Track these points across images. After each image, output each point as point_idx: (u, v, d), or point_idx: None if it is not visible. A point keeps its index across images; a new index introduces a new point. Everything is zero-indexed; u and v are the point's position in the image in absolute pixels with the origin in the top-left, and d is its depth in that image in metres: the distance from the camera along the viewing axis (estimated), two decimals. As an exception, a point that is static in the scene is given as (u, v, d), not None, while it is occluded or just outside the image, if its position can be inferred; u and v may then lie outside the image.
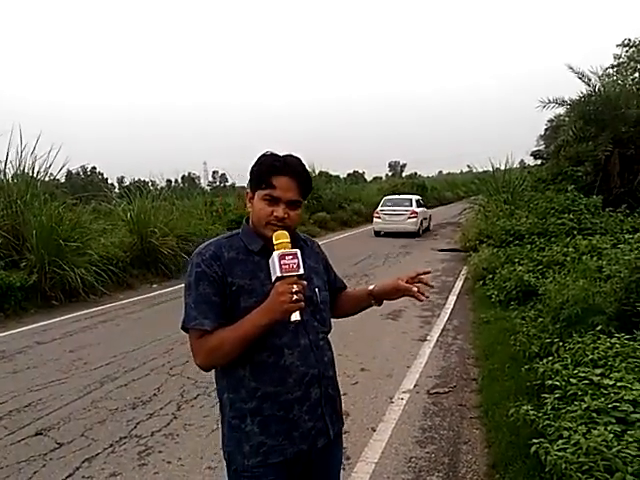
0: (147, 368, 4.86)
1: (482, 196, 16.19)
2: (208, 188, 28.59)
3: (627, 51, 16.66)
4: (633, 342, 3.47)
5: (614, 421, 2.52)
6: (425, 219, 18.55)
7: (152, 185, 13.73)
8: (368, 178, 54.85)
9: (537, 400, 3.27)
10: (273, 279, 1.34)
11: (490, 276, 7.39)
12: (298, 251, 1.36)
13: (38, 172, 8.97)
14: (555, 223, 9.19)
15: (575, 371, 3.19)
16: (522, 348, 4.36)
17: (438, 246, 14.37)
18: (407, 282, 1.58)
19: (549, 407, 2.90)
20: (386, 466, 3.09)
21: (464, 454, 3.23)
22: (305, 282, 1.36)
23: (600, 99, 11.58)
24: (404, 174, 63.66)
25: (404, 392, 4.22)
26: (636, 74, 15.12)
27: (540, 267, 6.83)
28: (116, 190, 17.64)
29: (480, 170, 19.73)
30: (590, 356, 3.39)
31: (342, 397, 1.69)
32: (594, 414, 2.61)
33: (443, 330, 6.10)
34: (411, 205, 17.64)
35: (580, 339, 3.74)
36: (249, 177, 1.50)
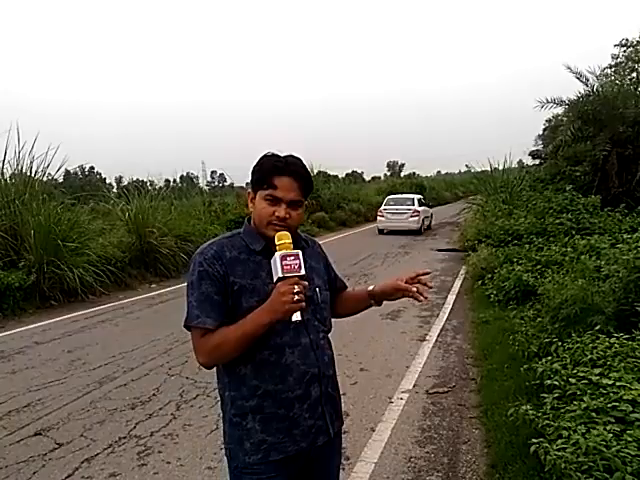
0: (146, 368, 4.85)
1: (480, 196, 16.24)
2: (207, 188, 28.52)
3: (625, 51, 16.75)
4: (632, 342, 3.47)
5: (613, 421, 2.53)
6: (427, 217, 19.15)
7: (150, 185, 13.76)
8: (367, 178, 54.97)
9: (536, 400, 3.27)
10: (275, 279, 1.35)
11: (489, 276, 7.40)
12: (300, 252, 1.37)
13: (36, 172, 8.97)
14: (553, 223, 9.20)
15: (574, 371, 3.19)
16: (521, 348, 4.36)
17: (437, 246, 14.38)
18: (406, 282, 1.59)
19: (548, 407, 2.90)
20: (385, 466, 3.09)
21: (463, 454, 3.23)
22: (306, 283, 1.37)
23: (598, 99, 11.60)
24: (403, 174, 63.80)
25: (403, 392, 4.23)
26: (634, 74, 15.18)
27: (539, 267, 6.84)
28: (114, 190, 17.63)
29: (478, 170, 19.82)
30: (589, 356, 3.39)
31: (342, 397, 1.70)
32: (593, 414, 2.61)
33: (442, 330, 6.10)
34: (413, 204, 18.23)
35: (579, 339, 3.74)
36: (251, 177, 1.51)
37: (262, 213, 1.47)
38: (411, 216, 17.71)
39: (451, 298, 7.82)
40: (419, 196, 20.22)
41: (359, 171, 61.11)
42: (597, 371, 3.09)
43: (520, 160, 22.42)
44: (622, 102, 11.32)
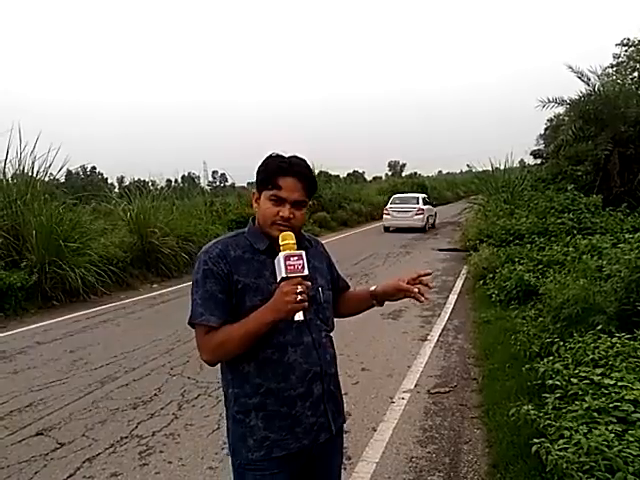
0: (148, 368, 4.86)
1: (482, 196, 16.24)
2: (208, 188, 28.53)
3: (626, 50, 16.68)
4: (634, 341, 3.47)
5: (615, 421, 2.52)
6: (431, 216, 19.69)
7: (152, 185, 13.76)
8: (368, 178, 54.97)
9: (538, 400, 3.27)
10: (278, 279, 1.37)
11: (490, 276, 7.39)
12: (303, 253, 1.39)
13: (38, 172, 8.97)
14: (555, 222, 9.20)
15: (576, 371, 3.19)
16: (523, 348, 4.36)
17: (438, 245, 14.37)
18: (408, 283, 1.60)
19: (550, 407, 2.90)
20: (387, 466, 3.09)
21: (465, 454, 3.23)
22: (309, 283, 1.38)
23: (600, 98, 11.58)
24: (404, 174, 63.77)
25: (405, 392, 4.23)
26: (635, 73, 15.13)
27: (540, 266, 6.84)
28: (116, 190, 17.62)
29: (480, 170, 19.81)
30: (591, 356, 3.39)
31: (343, 397, 1.71)
32: (595, 414, 2.61)
33: (444, 330, 6.10)
34: (418, 203, 18.86)
35: (581, 339, 3.74)
36: (255, 178, 1.53)
37: (266, 213, 1.48)
38: (416, 214, 18.24)
39: (452, 298, 7.81)
40: (424, 195, 20.73)
41: (360, 171, 61.22)
42: (599, 371, 3.09)
43: (521, 160, 22.44)
44: (624, 102, 11.30)
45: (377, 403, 4.01)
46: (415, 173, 54.08)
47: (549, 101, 12.46)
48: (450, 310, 7.05)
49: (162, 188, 13.36)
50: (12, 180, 8.70)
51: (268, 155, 1.53)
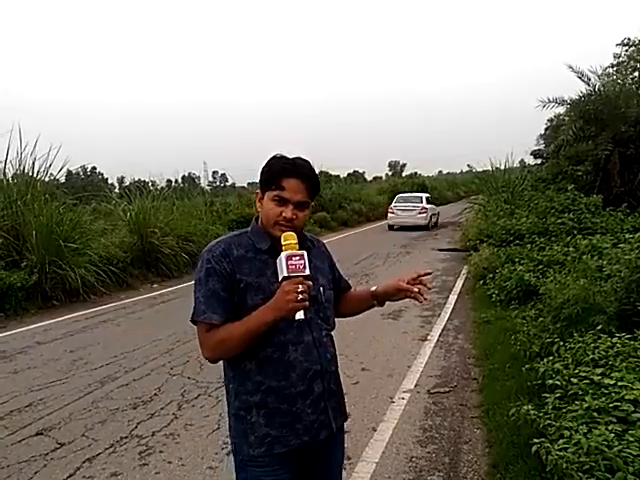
0: (148, 368, 4.86)
1: (482, 196, 16.24)
2: (208, 188, 28.50)
3: (627, 50, 16.66)
4: (634, 342, 3.47)
5: (615, 421, 2.52)
6: (434, 215, 20.44)
7: (152, 185, 13.77)
8: (368, 178, 54.97)
9: (538, 400, 3.27)
10: (280, 278, 1.39)
11: (490, 276, 7.39)
12: (305, 253, 1.41)
13: (38, 172, 8.97)
14: (555, 222, 9.20)
15: (576, 371, 3.19)
16: (523, 348, 4.35)
17: (438, 245, 14.37)
18: (408, 283, 1.62)
19: (550, 407, 2.90)
20: (387, 466, 3.09)
21: (465, 454, 3.23)
22: (310, 282, 1.40)
23: (600, 98, 11.58)
24: (404, 174, 63.74)
25: (405, 392, 4.22)
26: (636, 73, 15.12)
27: (540, 267, 6.83)
28: (116, 190, 17.65)
29: (480, 170, 19.85)
30: (591, 356, 3.39)
31: (344, 395, 1.72)
32: (595, 414, 2.61)
33: (444, 330, 6.10)
34: (421, 202, 19.70)
35: (581, 339, 3.74)
36: (259, 178, 1.55)
37: (269, 213, 1.50)
38: (419, 213, 18.96)
39: (453, 298, 7.81)
40: (427, 195, 21.57)
41: (360, 171, 61.18)
42: (599, 371, 3.09)
43: (522, 160, 22.45)
44: (624, 101, 11.30)
45: (377, 403, 4.01)
46: (415, 173, 54.06)
47: (549, 101, 12.47)
48: (450, 310, 7.05)
49: (162, 188, 13.37)
50: (12, 180, 8.70)
51: (272, 156, 1.54)
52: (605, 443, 2.27)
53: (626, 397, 2.67)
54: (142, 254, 10.00)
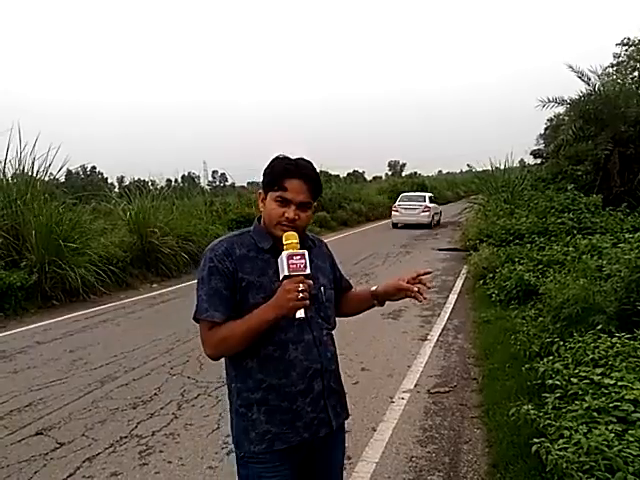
0: (147, 368, 4.86)
1: (482, 195, 16.24)
2: (208, 188, 28.46)
3: (627, 50, 16.66)
4: (634, 341, 3.46)
5: (615, 420, 2.52)
6: (437, 213, 21.09)
7: (152, 185, 13.75)
8: (368, 177, 54.90)
9: (538, 399, 3.27)
10: (281, 277, 1.41)
11: (490, 275, 7.39)
12: (306, 252, 1.43)
13: (38, 172, 8.95)
14: (555, 222, 9.20)
15: (576, 370, 3.19)
16: (522, 347, 4.35)
17: (438, 245, 14.38)
18: (408, 282, 1.63)
19: (550, 406, 2.90)
20: (387, 466, 3.09)
21: (465, 454, 3.23)
22: (311, 282, 1.42)
23: (600, 98, 11.58)
24: (404, 173, 63.69)
25: (405, 392, 4.22)
26: (636, 73, 15.12)
27: (540, 266, 6.84)
28: (116, 190, 17.61)
29: (480, 169, 19.85)
30: (591, 355, 3.39)
31: (345, 393, 1.73)
32: (595, 413, 2.61)
33: (443, 329, 6.10)
34: (424, 201, 20.40)
35: (581, 338, 3.74)
36: (262, 179, 1.56)
37: (272, 214, 1.52)
38: (422, 211, 19.60)
39: (452, 298, 7.81)
40: (430, 194, 22.32)
41: (360, 171, 61.03)
42: (599, 371, 3.09)
43: (521, 159, 22.43)
44: (624, 101, 11.30)
45: (377, 403, 4.01)
46: (415, 173, 54.01)
47: (549, 101, 12.46)
48: (450, 310, 7.05)
49: (162, 188, 13.34)
50: (12, 180, 8.69)
51: (275, 156, 1.56)
52: (605, 443, 2.27)
53: (626, 397, 2.67)
54: (142, 254, 9.99)
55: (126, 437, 3.49)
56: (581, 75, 12.07)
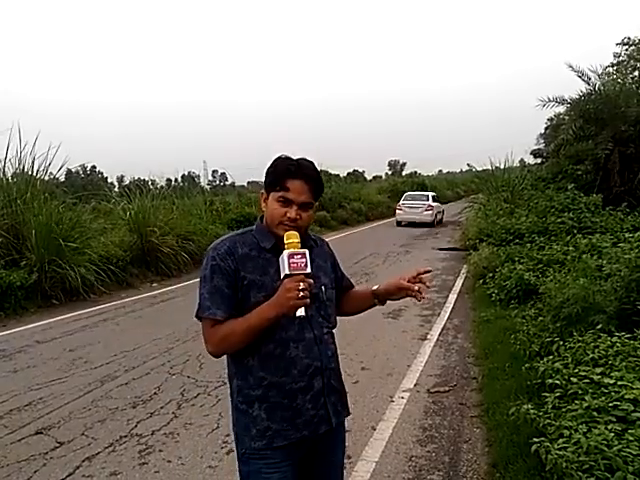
0: (147, 367, 4.86)
1: (482, 195, 16.26)
2: (208, 187, 28.43)
3: (627, 49, 16.66)
4: (633, 341, 3.47)
5: (615, 420, 2.53)
6: (439, 212, 21.61)
7: (152, 184, 13.69)
8: (368, 177, 54.82)
9: (538, 399, 3.27)
10: (282, 276, 1.43)
11: (490, 275, 7.39)
12: (306, 251, 1.44)
13: (38, 171, 8.93)
14: (555, 222, 9.20)
15: (576, 370, 3.19)
16: (522, 347, 4.36)
17: (438, 245, 14.37)
18: (409, 281, 1.65)
19: (550, 406, 2.90)
20: (387, 465, 3.09)
21: (465, 453, 3.23)
22: (312, 280, 1.44)
23: (600, 98, 11.57)
24: (404, 173, 63.61)
25: (404, 391, 4.22)
26: (636, 72, 15.12)
27: (540, 266, 6.84)
28: (116, 189, 17.57)
29: (480, 169, 19.85)
30: (590, 355, 3.39)
31: (346, 391, 1.74)
32: (595, 413, 2.61)
33: (443, 329, 6.10)
34: (428, 200, 20.93)
35: (580, 338, 3.74)
36: (264, 179, 1.58)
37: (274, 214, 1.53)
38: (426, 210, 20.16)
39: (452, 297, 7.81)
40: (433, 193, 22.93)
41: (360, 170, 60.90)
42: (599, 370, 3.09)
43: (521, 159, 22.42)
44: (624, 101, 11.29)
45: (377, 402, 4.01)
46: (415, 172, 53.86)
47: (549, 100, 12.46)
48: (450, 309, 7.05)
49: (162, 187, 13.31)
50: (12, 179, 8.67)
51: (277, 157, 1.58)
52: (605, 442, 2.27)
53: (626, 396, 2.67)
54: (142, 253, 9.98)
55: (126, 436, 3.49)
56: (581, 75, 12.06)
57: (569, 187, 11.08)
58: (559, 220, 9.25)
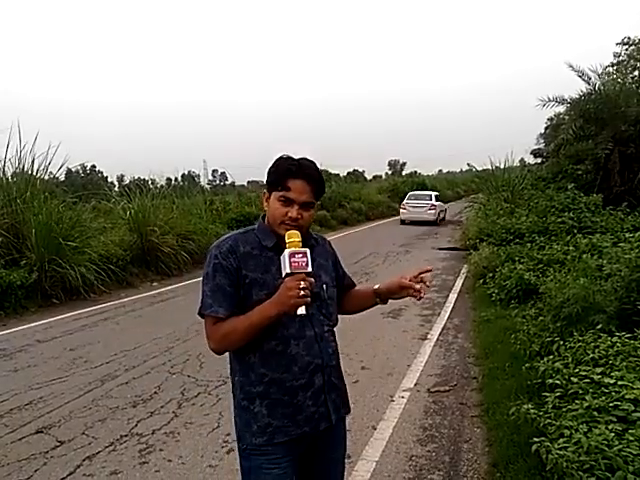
0: (147, 366, 4.86)
1: (482, 195, 16.26)
2: (208, 186, 28.41)
3: (627, 49, 16.65)
4: (634, 341, 3.47)
5: (615, 420, 2.53)
6: (442, 211, 22.26)
7: (152, 183, 13.67)
8: (368, 177, 54.78)
9: (538, 399, 3.27)
10: (283, 275, 1.44)
11: (490, 275, 7.39)
12: (307, 250, 1.45)
13: (38, 170, 8.92)
14: (555, 222, 9.20)
15: (576, 370, 3.19)
16: (523, 347, 4.36)
17: (439, 244, 14.37)
18: (410, 280, 1.66)
19: (550, 406, 2.90)
20: (387, 464, 3.09)
21: (465, 452, 3.23)
22: (312, 279, 1.45)
23: (600, 97, 11.58)
24: (404, 172, 63.57)
25: (405, 390, 4.23)
26: (636, 72, 15.12)
27: (540, 266, 6.84)
28: (116, 188, 17.54)
29: (480, 169, 19.87)
30: (591, 355, 3.39)
31: (347, 388, 1.76)
32: (595, 413, 2.61)
33: (444, 329, 6.10)
34: (431, 199, 21.47)
35: (581, 338, 3.74)
36: (266, 178, 1.60)
37: (275, 213, 1.55)
38: (429, 209, 20.78)
39: (452, 297, 7.81)
40: (436, 193, 23.50)
41: (360, 170, 60.86)
42: (599, 370, 3.09)
43: (522, 159, 22.39)
44: (624, 101, 11.30)
45: (377, 402, 4.01)
46: (415, 172, 53.82)
47: (549, 100, 12.47)
48: (450, 309, 7.05)
49: (162, 187, 13.28)
50: (12, 178, 8.67)
51: (279, 157, 1.60)
52: (605, 442, 2.27)
53: (626, 396, 2.67)
54: (142, 252, 9.97)
55: (126, 436, 3.49)
56: (581, 74, 12.07)
57: (569, 187, 11.08)
58: (559, 220, 9.25)
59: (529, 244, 8.36)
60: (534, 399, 3.32)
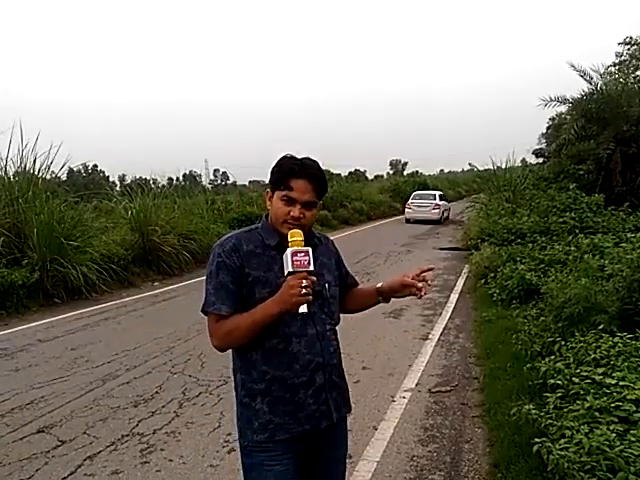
0: (149, 366, 4.86)
1: (484, 195, 16.25)
2: (209, 186, 28.43)
3: (629, 49, 16.66)
4: (635, 341, 3.46)
5: (616, 420, 2.52)
6: (446, 210, 22.76)
7: (153, 183, 13.67)
8: (369, 176, 54.76)
9: (539, 399, 3.27)
10: (285, 273, 1.46)
11: (492, 275, 7.38)
12: (310, 249, 1.47)
13: (39, 170, 8.94)
14: (557, 222, 9.19)
15: (577, 370, 3.19)
16: (524, 347, 4.35)
17: (440, 244, 14.36)
18: (412, 279, 1.67)
19: (551, 406, 2.89)
20: (388, 465, 3.09)
21: (466, 453, 3.23)
22: (314, 278, 1.47)
23: (602, 97, 11.56)
24: (405, 172, 63.58)
25: (406, 391, 4.22)
26: (638, 72, 15.10)
27: (542, 266, 6.83)
28: (117, 188, 17.61)
29: (481, 169, 19.85)
30: (592, 355, 3.38)
31: (348, 387, 1.77)
32: (596, 413, 2.60)
33: (445, 329, 6.09)
34: (435, 199, 21.97)
35: (582, 338, 3.73)
36: (269, 178, 1.61)
37: (278, 212, 1.57)
38: (433, 208, 21.28)
39: (454, 297, 7.80)
40: (440, 192, 23.95)
41: (362, 169, 60.81)
42: (600, 370, 3.09)
43: (523, 159, 22.37)
44: (626, 100, 11.29)
45: (378, 402, 4.01)
46: (417, 172, 53.88)
47: (551, 100, 12.45)
48: (451, 309, 7.04)
49: (163, 186, 13.28)
50: (14, 178, 8.68)
51: (282, 156, 1.61)
52: (607, 443, 2.27)
53: (628, 397, 2.66)
54: (143, 252, 9.98)
55: (127, 435, 3.49)
56: (583, 74, 12.05)
57: (571, 187, 11.07)
58: (561, 220, 9.24)
59: (530, 244, 8.35)
60: (535, 399, 3.32)
